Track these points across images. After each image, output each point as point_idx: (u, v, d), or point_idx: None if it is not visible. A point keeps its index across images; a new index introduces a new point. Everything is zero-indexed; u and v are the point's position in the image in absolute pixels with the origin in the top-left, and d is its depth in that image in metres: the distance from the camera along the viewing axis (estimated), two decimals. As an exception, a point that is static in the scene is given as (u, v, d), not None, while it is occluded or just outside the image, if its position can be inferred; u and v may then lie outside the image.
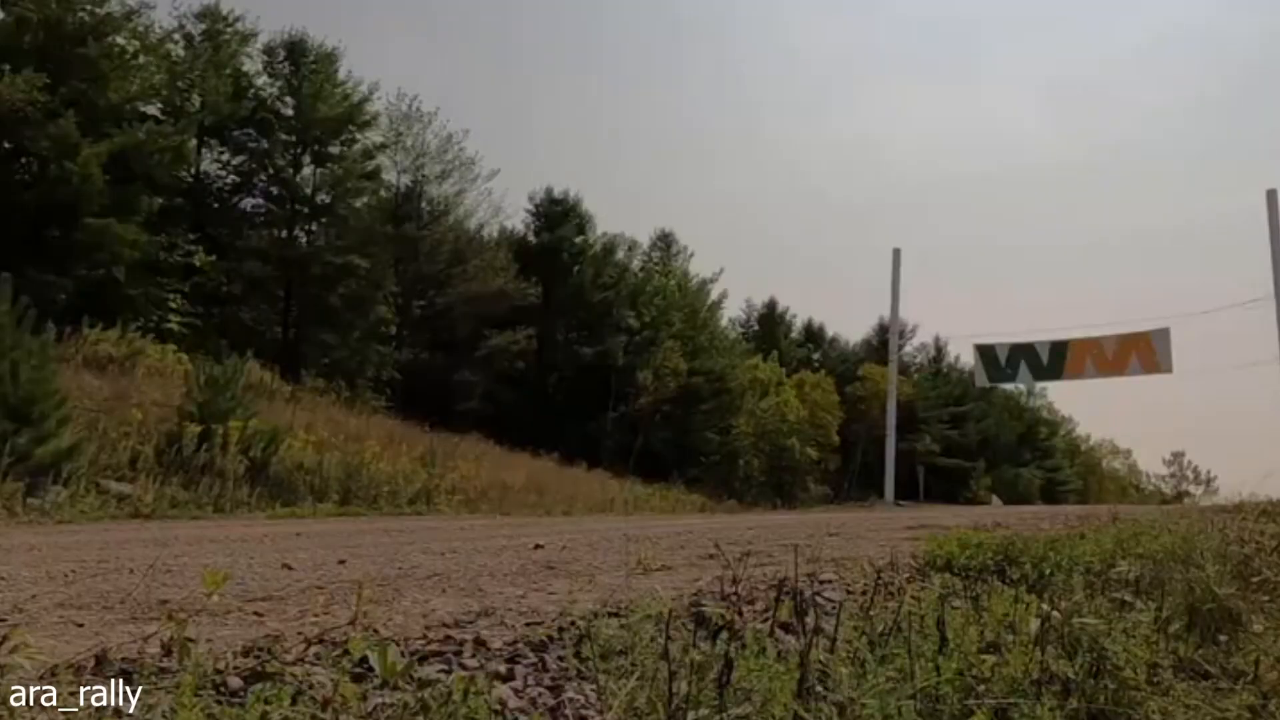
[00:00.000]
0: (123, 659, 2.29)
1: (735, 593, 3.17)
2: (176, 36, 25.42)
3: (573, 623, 2.89)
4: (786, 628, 2.82)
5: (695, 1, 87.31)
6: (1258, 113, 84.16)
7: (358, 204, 28.21)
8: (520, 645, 2.70)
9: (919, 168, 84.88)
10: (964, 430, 48.63)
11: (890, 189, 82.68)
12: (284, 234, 27.43)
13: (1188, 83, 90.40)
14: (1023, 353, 29.85)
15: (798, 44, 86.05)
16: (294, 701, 1.98)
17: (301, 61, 26.83)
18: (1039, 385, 49.71)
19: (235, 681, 2.14)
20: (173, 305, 21.88)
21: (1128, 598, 3.58)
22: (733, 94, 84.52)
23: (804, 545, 5.69)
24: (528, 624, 3.02)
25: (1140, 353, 27.98)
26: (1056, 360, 29.42)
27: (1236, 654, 3.48)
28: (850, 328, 71.87)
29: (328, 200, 27.49)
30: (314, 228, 28.12)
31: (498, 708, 2.11)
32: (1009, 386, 48.35)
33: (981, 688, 2.47)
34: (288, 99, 26.80)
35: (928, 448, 43.75)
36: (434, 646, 2.65)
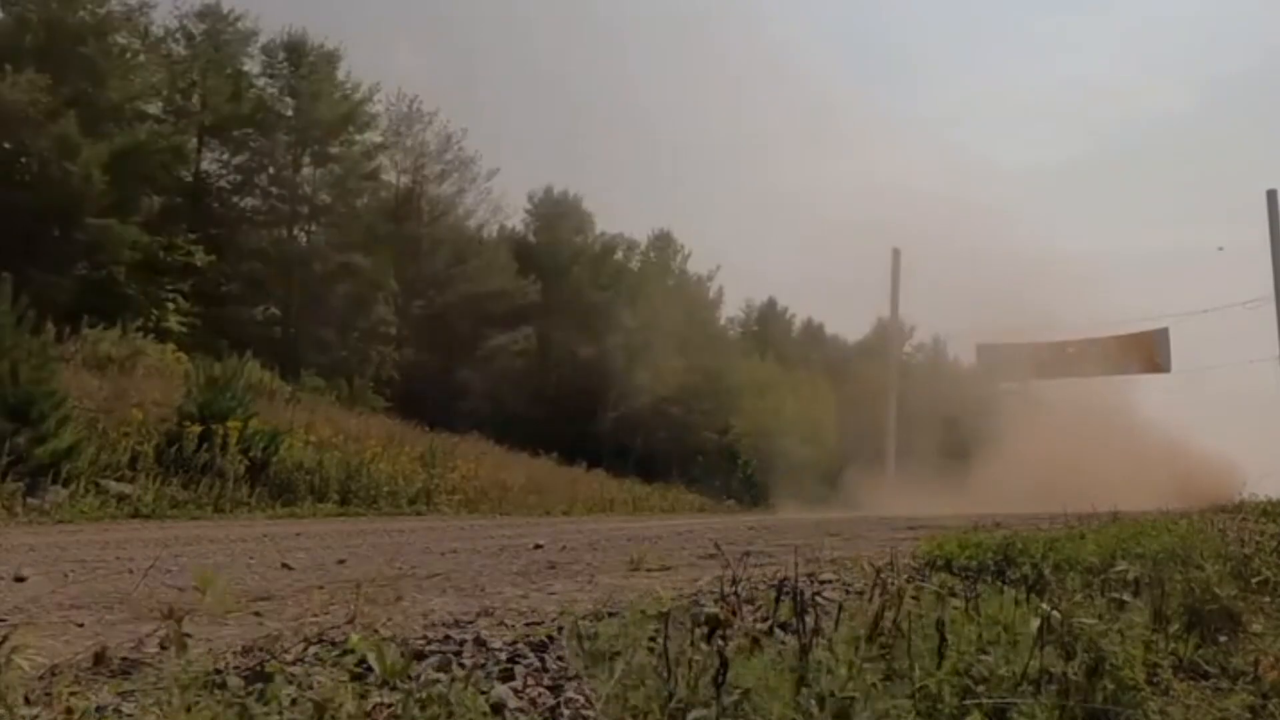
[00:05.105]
0: (122, 659, 2.30)
1: (735, 593, 3.18)
2: (177, 36, 25.47)
3: (573, 622, 2.89)
4: (786, 627, 2.82)
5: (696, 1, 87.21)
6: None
7: (358, 204, 28.23)
8: (520, 645, 2.70)
9: (922, 167, 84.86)
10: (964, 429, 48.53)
11: (893, 187, 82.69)
12: (284, 234, 27.46)
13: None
14: (1023, 352, 29.89)
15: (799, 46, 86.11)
16: (294, 701, 1.98)
17: (302, 61, 26.86)
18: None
19: (235, 681, 2.15)
20: (173, 305, 21.89)
21: (1127, 598, 3.58)
22: (734, 92, 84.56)
23: (803, 545, 5.69)
24: (528, 624, 3.02)
25: (1139, 353, 28.03)
26: (1057, 360, 29.46)
27: (1236, 654, 3.49)
28: (850, 326, 71.63)
29: (328, 200, 27.52)
30: (314, 227, 28.15)
31: (497, 707, 2.11)
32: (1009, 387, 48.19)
33: (980, 687, 2.47)
34: (288, 99, 26.83)
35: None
36: (434, 646, 2.65)
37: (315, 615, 3.19)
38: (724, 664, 2.03)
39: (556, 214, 33.25)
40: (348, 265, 26.67)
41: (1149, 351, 27.87)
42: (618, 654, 2.36)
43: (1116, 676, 2.62)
